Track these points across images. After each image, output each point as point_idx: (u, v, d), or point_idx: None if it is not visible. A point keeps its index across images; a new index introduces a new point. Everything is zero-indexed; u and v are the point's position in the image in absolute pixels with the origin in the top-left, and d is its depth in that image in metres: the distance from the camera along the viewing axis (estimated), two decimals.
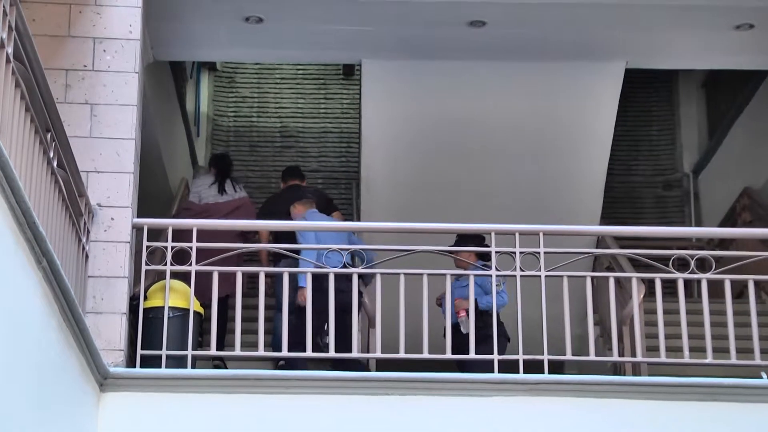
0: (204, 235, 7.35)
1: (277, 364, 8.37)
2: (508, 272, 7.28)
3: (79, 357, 6.24)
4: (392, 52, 9.34)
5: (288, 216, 9.18)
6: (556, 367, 7.84)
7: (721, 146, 12.93)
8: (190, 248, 7.21)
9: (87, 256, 7.01)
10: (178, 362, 7.11)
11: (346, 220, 10.79)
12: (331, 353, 7.43)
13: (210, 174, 10.30)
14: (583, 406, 6.99)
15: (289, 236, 8.83)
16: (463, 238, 8.48)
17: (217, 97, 14.23)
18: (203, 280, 7.35)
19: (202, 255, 7.28)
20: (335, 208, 10.15)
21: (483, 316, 7.74)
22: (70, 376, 6.10)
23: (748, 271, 7.50)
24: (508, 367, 7.15)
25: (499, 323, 7.76)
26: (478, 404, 6.93)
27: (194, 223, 7.57)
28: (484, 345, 7.44)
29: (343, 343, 7.38)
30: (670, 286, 8.11)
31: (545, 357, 7.16)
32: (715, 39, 9.08)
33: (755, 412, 7.00)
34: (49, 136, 5.73)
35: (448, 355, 7.28)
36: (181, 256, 7.37)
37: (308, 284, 7.29)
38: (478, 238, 8.48)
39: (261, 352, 7.32)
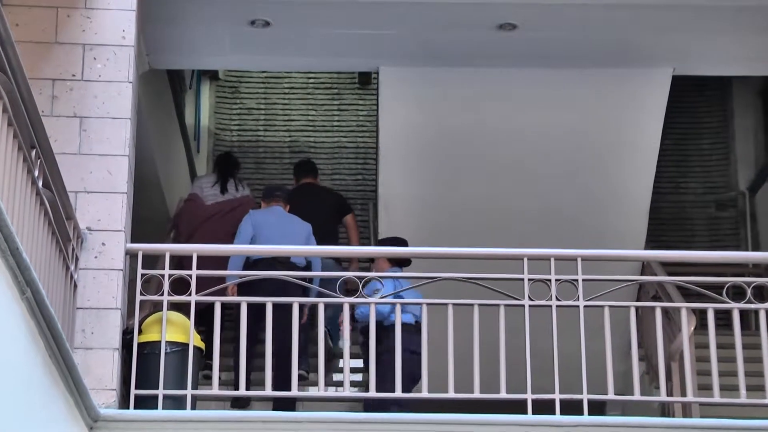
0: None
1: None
2: (543, 302, 7.28)
3: (66, 397, 6.25)
4: (413, 59, 9.36)
5: (300, 215, 9.63)
6: (597, 408, 7.83)
7: None
8: (190, 276, 7.24)
9: (75, 286, 7.04)
10: (177, 403, 7.12)
11: (360, 230, 11.15)
12: (346, 392, 7.42)
13: (213, 174, 10.77)
14: None
15: None
16: (381, 244, 8.87)
17: (220, 109, 14.28)
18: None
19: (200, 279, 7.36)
20: (349, 210, 10.69)
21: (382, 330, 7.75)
22: (56, 418, 6.12)
23: None
24: (544, 407, 7.14)
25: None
26: None
27: (194, 249, 7.62)
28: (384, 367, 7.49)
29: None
30: (724, 318, 8.08)
31: (584, 396, 7.15)
32: None
33: None
34: (33, 153, 5.76)
35: (476, 394, 7.27)
36: (179, 285, 7.39)
37: None
38: (398, 242, 8.85)
39: (268, 391, 7.32)
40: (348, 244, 10.93)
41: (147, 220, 9.83)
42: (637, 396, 7.39)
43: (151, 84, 10.14)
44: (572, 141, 10.11)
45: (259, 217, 9.42)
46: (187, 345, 7.26)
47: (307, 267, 9.16)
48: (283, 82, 14.37)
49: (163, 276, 7.24)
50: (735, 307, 7.35)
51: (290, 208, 9.74)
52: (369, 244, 11.52)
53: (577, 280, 7.31)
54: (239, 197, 10.36)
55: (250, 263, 8.85)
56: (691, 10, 8.61)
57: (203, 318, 8.25)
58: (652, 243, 11.34)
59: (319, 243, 9.51)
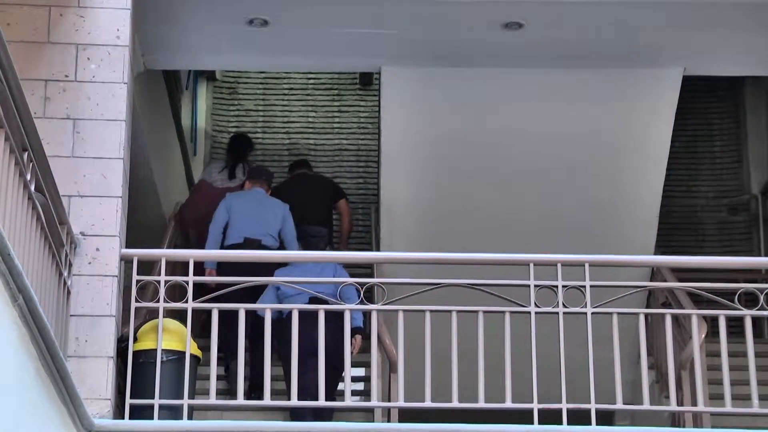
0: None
1: None
2: (549, 309, 7.29)
3: (59, 407, 6.26)
4: (416, 59, 9.37)
5: (292, 203, 10.14)
6: (605, 418, 7.83)
7: None
8: (186, 282, 7.25)
9: (69, 292, 7.05)
10: (173, 413, 7.13)
11: (352, 223, 11.59)
12: (347, 401, 7.43)
13: (222, 160, 11.47)
14: None
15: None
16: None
17: (217, 110, 14.30)
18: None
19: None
20: (341, 195, 11.18)
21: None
22: (49, 428, 6.12)
23: None
24: (550, 417, 7.15)
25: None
26: None
27: (190, 254, 7.63)
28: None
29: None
30: (736, 325, 8.09)
31: (592, 406, 7.15)
32: None
33: None
34: (25, 155, 5.77)
35: (481, 403, 7.28)
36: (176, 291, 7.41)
37: None
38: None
39: (267, 401, 7.33)
40: (340, 228, 11.32)
41: (142, 224, 9.86)
42: (646, 405, 7.39)
43: (147, 85, 10.16)
44: (579, 143, 10.11)
45: (233, 201, 9.90)
46: (183, 353, 7.27)
47: (280, 248, 9.65)
48: (282, 82, 14.38)
49: (158, 282, 7.25)
50: (747, 314, 7.35)
51: (284, 196, 10.25)
52: (371, 249, 11.53)
53: (584, 287, 7.32)
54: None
55: (224, 247, 9.43)
56: (703, 8, 8.61)
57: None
58: (662, 248, 11.35)
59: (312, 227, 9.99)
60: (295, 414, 8.09)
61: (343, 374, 7.47)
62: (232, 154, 11.36)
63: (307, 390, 7.63)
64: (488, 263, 8.04)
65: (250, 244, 9.53)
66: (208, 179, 11.14)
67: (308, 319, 7.45)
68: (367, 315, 8.58)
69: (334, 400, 8.33)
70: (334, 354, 7.50)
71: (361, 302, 7.41)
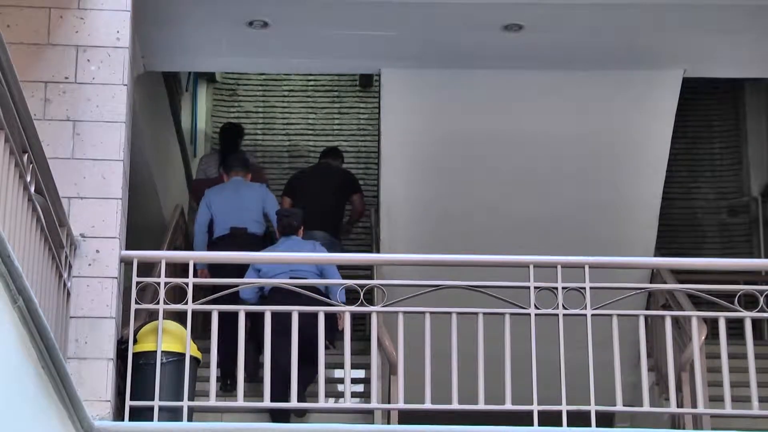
0: None
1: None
2: (549, 311, 7.29)
3: (59, 409, 6.27)
4: (415, 60, 9.38)
5: (306, 191, 10.45)
6: (605, 420, 7.83)
7: None
8: (186, 284, 7.25)
9: (69, 294, 7.05)
10: (173, 414, 7.14)
11: (363, 213, 11.55)
12: (347, 403, 7.43)
13: (215, 154, 11.55)
14: None
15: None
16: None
17: (217, 112, 14.30)
18: None
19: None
20: (355, 189, 11.17)
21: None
22: (49, 430, 6.13)
23: None
24: (550, 419, 7.16)
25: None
26: None
27: (190, 256, 7.64)
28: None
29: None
30: (736, 327, 8.09)
31: (592, 408, 7.16)
32: None
33: None
34: (25, 157, 5.78)
35: (481, 405, 7.28)
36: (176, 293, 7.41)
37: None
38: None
39: (267, 403, 7.33)
40: (350, 220, 11.41)
41: (142, 226, 9.86)
42: (646, 407, 7.39)
43: (147, 87, 10.16)
44: (579, 145, 10.11)
45: (212, 196, 10.00)
46: (183, 355, 7.27)
47: (267, 235, 9.80)
48: (282, 84, 14.38)
49: (158, 284, 7.26)
50: (747, 315, 7.36)
51: (299, 185, 10.55)
52: (371, 251, 11.54)
53: (584, 288, 7.32)
54: None
55: (213, 240, 9.55)
56: (703, 10, 8.62)
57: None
58: (662, 250, 11.35)
59: (321, 220, 10.08)
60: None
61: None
62: (225, 148, 11.42)
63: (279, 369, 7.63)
64: (488, 265, 8.05)
65: (236, 233, 9.57)
66: (203, 177, 11.20)
67: (286, 300, 7.52)
68: (366, 317, 8.58)
69: (311, 381, 8.35)
70: (308, 339, 7.48)
71: (361, 304, 7.41)
